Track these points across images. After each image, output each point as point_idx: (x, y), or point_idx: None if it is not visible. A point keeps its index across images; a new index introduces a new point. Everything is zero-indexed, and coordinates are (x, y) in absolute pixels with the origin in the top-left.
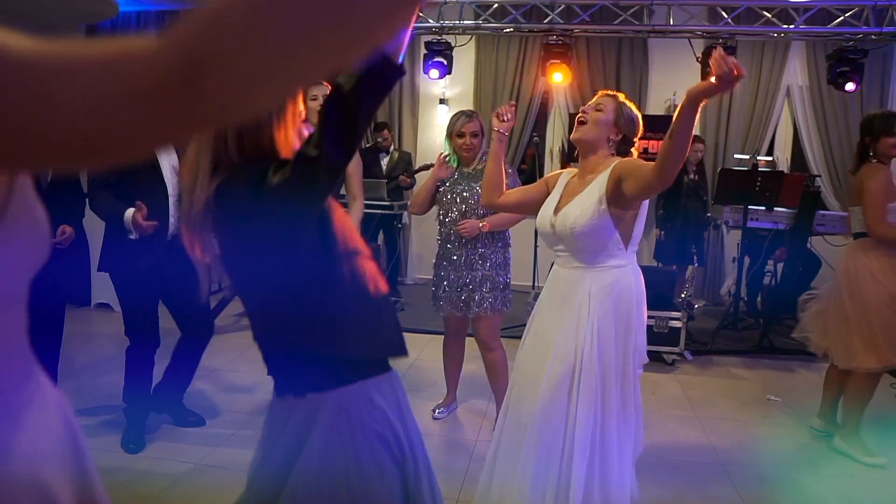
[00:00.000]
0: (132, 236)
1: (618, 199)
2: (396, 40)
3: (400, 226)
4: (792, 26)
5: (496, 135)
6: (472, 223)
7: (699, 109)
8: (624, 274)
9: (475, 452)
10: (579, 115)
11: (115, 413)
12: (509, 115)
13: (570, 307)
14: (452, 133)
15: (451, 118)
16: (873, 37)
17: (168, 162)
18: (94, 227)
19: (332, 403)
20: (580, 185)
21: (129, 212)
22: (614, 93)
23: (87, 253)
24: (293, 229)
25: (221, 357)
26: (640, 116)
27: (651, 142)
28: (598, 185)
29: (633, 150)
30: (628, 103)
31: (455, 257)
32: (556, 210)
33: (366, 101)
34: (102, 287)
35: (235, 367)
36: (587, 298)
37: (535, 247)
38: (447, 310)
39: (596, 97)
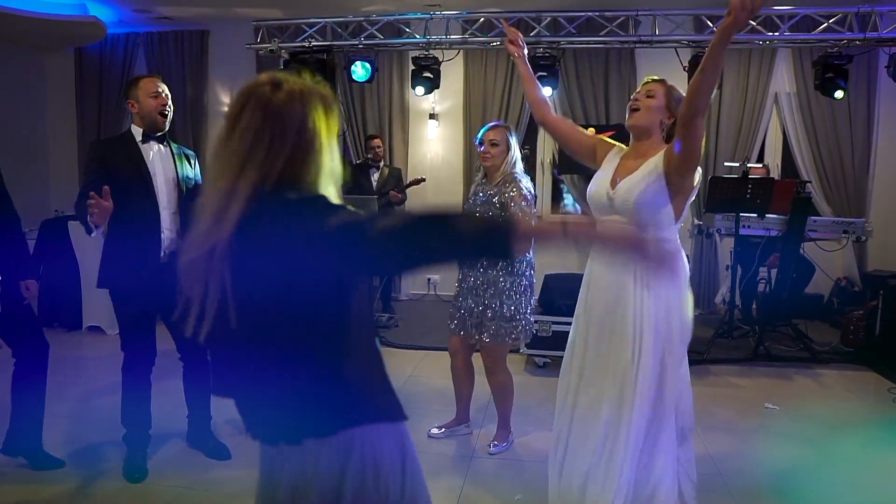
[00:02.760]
0: (92, 234)
1: (673, 173)
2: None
3: None
4: (777, 34)
5: (516, 60)
6: None
7: (727, 44)
8: (672, 248)
9: (471, 468)
10: (631, 103)
11: (112, 439)
12: (514, 37)
13: (621, 284)
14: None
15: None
16: (857, 42)
17: (163, 174)
18: (86, 248)
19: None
20: (635, 165)
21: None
22: (661, 78)
23: (77, 275)
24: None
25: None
26: None
27: None
28: (655, 161)
29: None
30: (677, 87)
31: (470, 279)
32: (613, 183)
33: (453, 251)
34: (94, 309)
35: None
36: (638, 277)
37: None
38: (458, 333)
39: (644, 84)
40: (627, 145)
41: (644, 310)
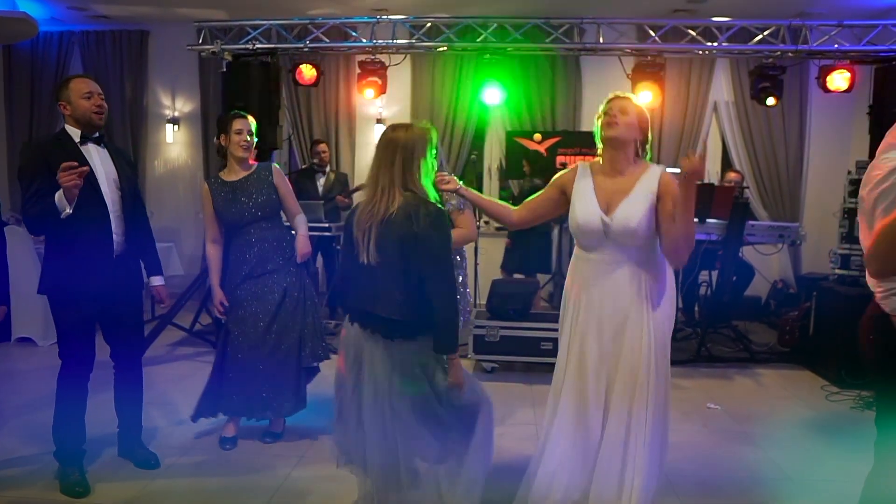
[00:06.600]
0: (67, 211)
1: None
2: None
3: (338, 247)
4: (715, 44)
5: (465, 195)
6: None
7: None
8: (664, 264)
9: None
10: (607, 118)
11: (48, 455)
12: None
13: (626, 304)
14: None
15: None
16: (790, 54)
17: (105, 176)
18: (15, 256)
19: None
20: (618, 184)
21: (59, 193)
22: (626, 95)
23: (6, 285)
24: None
25: (154, 389)
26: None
27: (587, 157)
28: (648, 188)
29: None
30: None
31: None
32: (609, 210)
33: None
34: (24, 320)
35: (169, 400)
36: (645, 293)
37: (476, 264)
38: None
39: (612, 101)
40: (580, 151)
41: (651, 329)
